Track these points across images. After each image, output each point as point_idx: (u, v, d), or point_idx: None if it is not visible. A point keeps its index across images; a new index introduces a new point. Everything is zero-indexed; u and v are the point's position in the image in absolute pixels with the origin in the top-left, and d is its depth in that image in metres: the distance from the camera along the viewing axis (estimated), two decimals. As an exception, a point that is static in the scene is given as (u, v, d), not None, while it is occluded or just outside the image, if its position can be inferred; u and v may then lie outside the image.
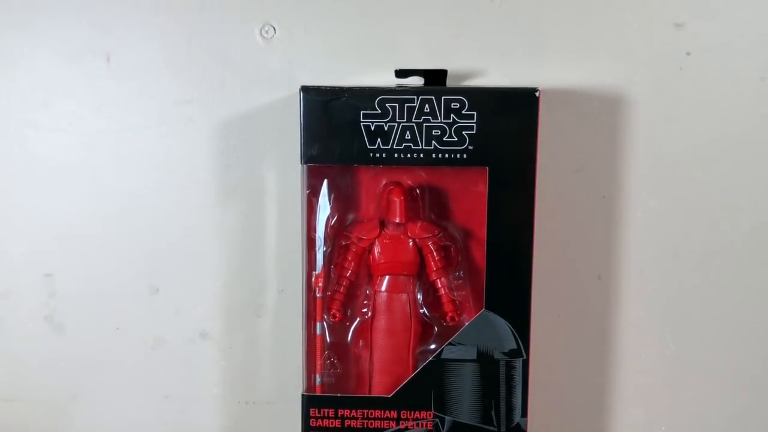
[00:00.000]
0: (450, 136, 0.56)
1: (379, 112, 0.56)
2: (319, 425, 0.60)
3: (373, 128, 0.57)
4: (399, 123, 0.56)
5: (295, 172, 0.60)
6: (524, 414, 0.59)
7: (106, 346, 0.67)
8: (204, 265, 0.66)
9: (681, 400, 0.68)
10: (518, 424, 0.59)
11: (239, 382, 0.68)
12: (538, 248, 0.58)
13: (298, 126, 0.57)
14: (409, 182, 0.60)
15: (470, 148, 0.57)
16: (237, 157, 0.65)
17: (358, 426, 0.59)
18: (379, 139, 0.57)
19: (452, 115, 0.56)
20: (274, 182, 0.65)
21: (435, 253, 0.60)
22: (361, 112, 0.56)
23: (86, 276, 0.66)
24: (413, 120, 0.56)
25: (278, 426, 0.67)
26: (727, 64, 0.63)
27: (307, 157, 0.57)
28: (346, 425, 0.59)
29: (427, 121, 0.56)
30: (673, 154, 0.65)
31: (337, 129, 0.57)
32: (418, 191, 0.61)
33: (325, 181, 0.60)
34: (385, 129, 0.56)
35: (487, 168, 0.57)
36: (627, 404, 0.68)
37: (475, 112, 0.56)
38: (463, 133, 0.56)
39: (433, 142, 0.56)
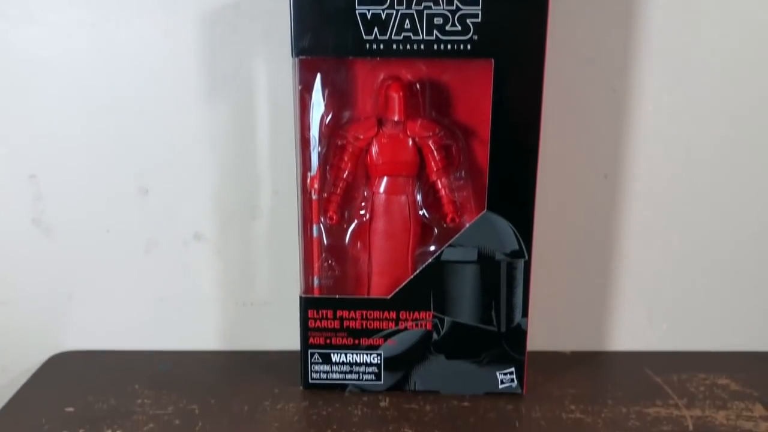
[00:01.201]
0: (453, 25, 0.52)
1: (376, -2, 0.52)
2: (318, 326, 0.59)
3: (369, 16, 0.52)
4: (398, 10, 0.52)
5: (286, 65, 0.56)
6: (525, 314, 0.59)
7: (97, 249, 0.66)
8: (194, 166, 0.64)
9: (683, 299, 0.68)
10: (519, 324, 0.59)
11: (236, 284, 0.67)
12: (544, 145, 0.55)
13: (289, 15, 0.53)
14: (409, 76, 0.57)
15: (474, 38, 0.53)
16: (224, 49, 0.61)
17: (358, 327, 0.59)
18: (376, 29, 0.53)
19: (455, 1, 0.52)
20: (265, 77, 0.62)
21: (435, 153, 0.57)
22: (357, -2, 0.52)
23: (71, 177, 0.64)
24: (413, 7, 0.52)
25: (277, 326, 0.67)
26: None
27: (298, 50, 0.54)
28: (345, 326, 0.59)
29: (428, 8, 0.52)
30: (690, 45, 0.61)
31: (331, 17, 0.53)
32: (418, 86, 0.57)
33: (319, 76, 0.56)
34: (383, 17, 0.52)
35: (493, 60, 0.53)
36: (630, 304, 0.68)
37: (480, -2, 0.52)
38: (468, 21, 0.52)
39: (435, 31, 0.52)
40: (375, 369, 0.60)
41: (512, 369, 0.60)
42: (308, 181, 0.58)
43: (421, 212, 0.60)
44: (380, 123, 0.57)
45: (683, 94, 0.63)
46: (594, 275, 0.67)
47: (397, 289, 0.58)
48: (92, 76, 0.62)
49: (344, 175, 0.58)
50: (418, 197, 0.59)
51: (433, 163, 0.58)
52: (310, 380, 0.61)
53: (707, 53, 0.62)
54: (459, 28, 0.52)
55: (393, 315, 0.59)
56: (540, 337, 0.63)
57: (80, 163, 0.64)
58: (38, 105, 0.63)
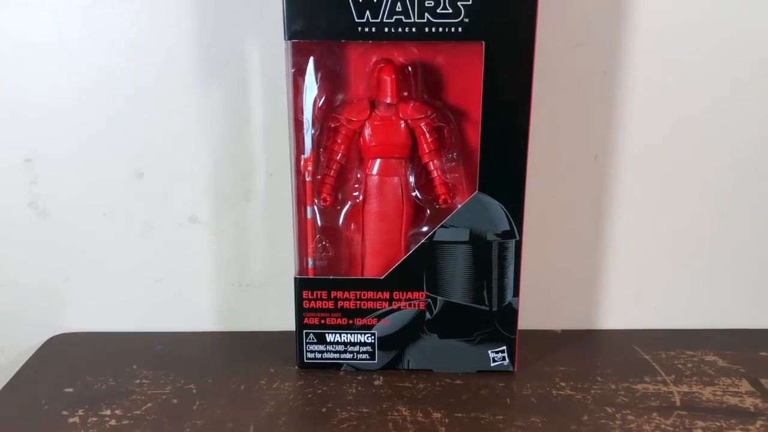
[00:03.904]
0: (444, 8, 0.53)
1: (368, -19, 0.52)
2: (313, 306, 0.60)
3: (361, 0, 0.53)
4: (389, -6, 0.53)
5: (279, 49, 0.56)
6: (516, 293, 0.59)
7: (93, 232, 0.67)
8: (189, 149, 0.64)
9: (672, 278, 0.69)
10: (510, 303, 0.60)
11: (231, 266, 0.68)
12: (534, 127, 0.56)
13: (281, -2, 0.53)
14: (401, 59, 0.57)
15: (466, 20, 0.53)
16: (218, 33, 0.61)
17: (352, 307, 0.60)
18: (368, 12, 0.53)
19: (446, -16, 0.52)
20: (258, 60, 0.62)
21: (428, 135, 0.58)
22: (349, -19, 0.52)
23: (67, 161, 0.65)
24: (404, -10, 0.52)
25: (272, 307, 0.68)
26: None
27: (291, 33, 0.54)
28: (339, 306, 0.60)
29: (420, -9, 0.52)
30: (679, 26, 0.62)
31: (323, 1, 0.53)
32: (410, 69, 0.58)
33: (311, 59, 0.57)
34: (375, 0, 0.53)
35: (484, 43, 0.54)
36: (619, 284, 0.69)
37: (471, -19, 0.52)
38: (458, 4, 0.53)
39: (426, 14, 0.53)
40: (369, 348, 0.61)
41: (504, 347, 0.61)
42: (302, 163, 0.58)
43: (413, 193, 0.60)
44: (373, 105, 0.58)
45: (673, 76, 0.63)
46: (584, 255, 0.68)
47: (390, 270, 0.59)
48: (86, 59, 0.62)
49: (337, 157, 0.58)
50: (411, 179, 0.60)
51: (425, 145, 0.58)
52: (305, 360, 0.62)
53: (697, 35, 0.62)
54: (450, 11, 0.53)
55: (386, 295, 0.60)
56: (531, 315, 0.64)
57: (75, 147, 0.64)
58: (31, 88, 0.63)
